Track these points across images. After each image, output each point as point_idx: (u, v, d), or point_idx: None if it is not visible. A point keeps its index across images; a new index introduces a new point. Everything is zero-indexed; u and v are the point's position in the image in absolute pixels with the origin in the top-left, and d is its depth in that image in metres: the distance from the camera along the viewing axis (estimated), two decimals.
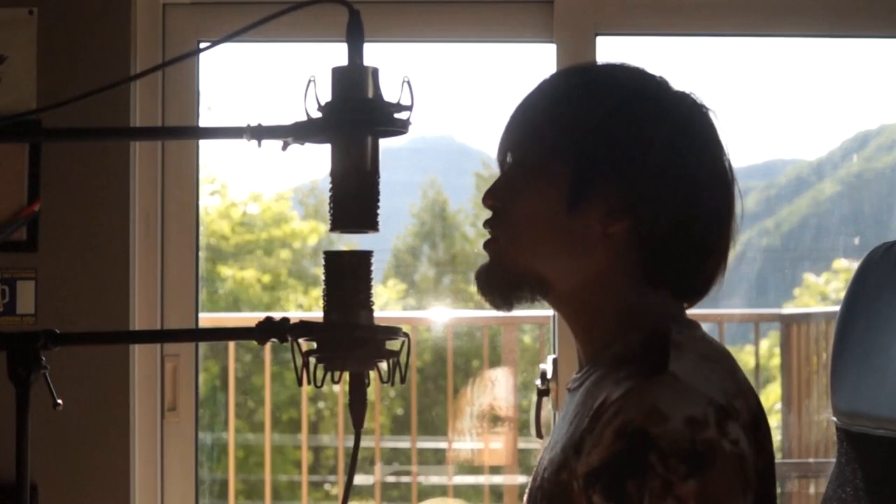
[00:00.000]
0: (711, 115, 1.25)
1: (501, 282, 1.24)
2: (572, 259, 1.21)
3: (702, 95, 1.26)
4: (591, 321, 1.24)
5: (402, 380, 1.08)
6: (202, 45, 2.59)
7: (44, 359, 1.08)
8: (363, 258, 1.08)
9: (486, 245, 1.26)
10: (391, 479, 4.92)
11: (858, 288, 1.44)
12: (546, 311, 3.15)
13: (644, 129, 1.20)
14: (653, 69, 1.27)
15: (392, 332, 1.08)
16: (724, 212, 1.23)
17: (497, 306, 1.26)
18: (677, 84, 1.26)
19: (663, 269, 1.21)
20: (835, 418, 1.45)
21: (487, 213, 1.27)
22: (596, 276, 1.21)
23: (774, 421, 5.03)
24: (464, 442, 4.55)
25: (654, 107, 1.22)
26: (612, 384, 1.14)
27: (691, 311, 1.29)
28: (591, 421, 1.13)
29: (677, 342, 1.16)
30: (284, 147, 1.08)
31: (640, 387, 1.10)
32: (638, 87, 1.24)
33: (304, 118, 1.07)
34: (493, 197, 1.26)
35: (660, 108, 1.22)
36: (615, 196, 1.19)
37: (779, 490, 4.25)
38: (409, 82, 1.07)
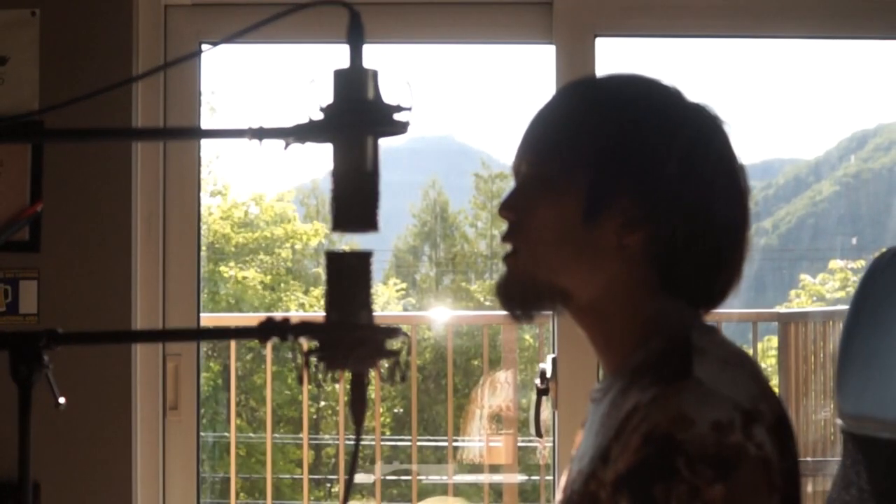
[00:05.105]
0: (725, 127, 1.26)
1: (521, 295, 1.26)
2: (590, 270, 1.23)
3: (715, 107, 1.27)
4: (611, 331, 1.25)
5: (403, 379, 1.08)
6: (204, 47, 2.60)
7: (46, 358, 1.08)
8: (364, 258, 1.09)
9: (506, 258, 1.27)
10: (391, 477, 4.92)
11: (865, 292, 1.44)
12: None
13: (660, 141, 1.21)
14: (666, 78, 1.28)
15: (392, 331, 1.08)
16: (740, 221, 1.25)
17: (518, 319, 1.27)
18: (691, 96, 1.27)
19: (680, 278, 1.22)
20: (840, 421, 1.46)
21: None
22: (613, 286, 1.22)
23: None
24: (464, 441, 4.55)
25: (670, 119, 1.23)
26: (638, 392, 1.15)
27: None
28: (617, 430, 1.14)
29: (699, 347, 1.18)
30: (286, 146, 1.09)
31: (666, 392, 1.11)
32: (653, 99, 1.25)
33: (306, 119, 1.07)
34: (510, 209, 1.26)
35: (675, 120, 1.23)
36: (632, 207, 1.20)
37: None
38: (409, 83, 1.08)
